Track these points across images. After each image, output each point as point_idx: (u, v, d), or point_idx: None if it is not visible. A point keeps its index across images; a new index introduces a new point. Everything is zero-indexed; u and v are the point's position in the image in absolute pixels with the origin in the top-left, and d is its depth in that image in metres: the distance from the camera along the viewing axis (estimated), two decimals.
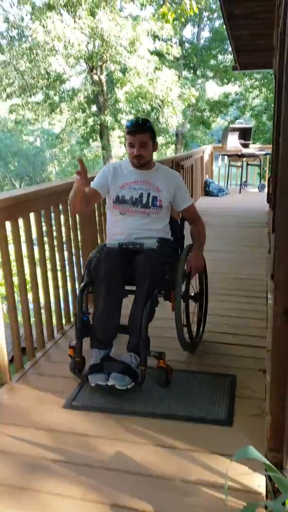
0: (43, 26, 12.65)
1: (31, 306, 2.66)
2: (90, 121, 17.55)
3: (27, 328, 2.58)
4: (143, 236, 2.45)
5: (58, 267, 2.95)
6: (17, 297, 2.61)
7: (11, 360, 2.56)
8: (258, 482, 1.68)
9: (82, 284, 2.37)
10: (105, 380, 2.13)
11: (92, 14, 13.69)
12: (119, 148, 20.79)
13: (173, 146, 20.44)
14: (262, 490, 1.65)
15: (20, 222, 2.50)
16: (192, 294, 2.59)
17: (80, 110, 17.09)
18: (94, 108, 17.59)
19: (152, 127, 2.46)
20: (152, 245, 2.42)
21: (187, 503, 1.63)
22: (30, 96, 16.27)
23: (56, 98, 17.48)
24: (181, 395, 2.26)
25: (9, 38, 15.96)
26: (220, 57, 20.37)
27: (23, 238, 2.55)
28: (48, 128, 24.61)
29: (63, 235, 3.06)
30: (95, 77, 16.38)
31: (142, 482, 1.72)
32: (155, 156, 2.63)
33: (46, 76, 15.48)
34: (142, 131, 2.38)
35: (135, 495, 1.66)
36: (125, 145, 2.51)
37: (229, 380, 2.37)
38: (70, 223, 3.14)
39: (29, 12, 14.42)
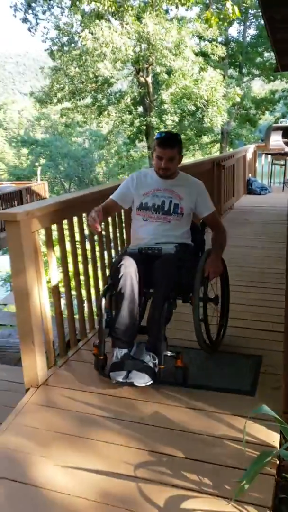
0: (92, 33, 13.22)
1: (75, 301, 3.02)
2: (137, 122, 18.02)
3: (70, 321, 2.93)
4: (163, 241, 2.56)
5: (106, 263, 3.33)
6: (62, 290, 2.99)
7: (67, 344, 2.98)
8: (273, 438, 1.99)
9: (105, 286, 2.54)
10: (126, 377, 2.27)
11: (139, 18, 14.11)
12: None
13: (218, 145, 20.55)
14: (276, 444, 1.96)
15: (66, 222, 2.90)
16: (212, 297, 2.65)
17: (127, 112, 17.60)
18: (140, 109, 18.05)
19: (180, 141, 2.62)
20: (170, 250, 2.50)
21: (212, 452, 1.97)
22: (79, 100, 16.95)
23: (104, 101, 18.09)
24: (210, 370, 2.59)
25: (60, 45, 16.69)
26: (266, 54, 20.24)
27: (66, 237, 2.91)
28: (96, 130, 25.33)
29: (110, 233, 3.45)
30: (142, 79, 16.81)
31: (174, 435, 2.08)
32: (186, 160, 2.93)
33: (95, 80, 16.08)
34: (172, 146, 2.54)
35: (168, 444, 2.01)
36: (152, 153, 2.67)
37: (255, 359, 2.68)
38: (117, 222, 3.53)
39: (79, 21, 15.05)
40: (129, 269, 2.39)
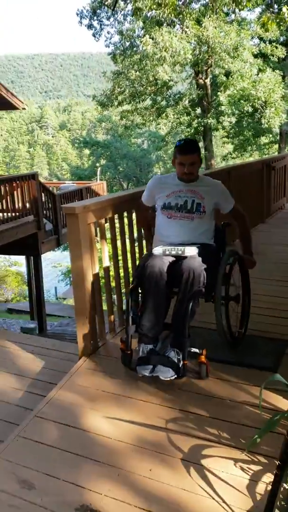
0: (152, 38, 13.67)
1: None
2: (194, 123, 18.29)
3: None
4: (186, 239, 2.69)
5: None
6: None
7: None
8: (287, 405, 2.28)
9: (131, 287, 2.69)
10: (151, 371, 2.40)
11: (199, 22, 14.38)
12: (222, 148, 21.22)
13: (276, 146, 20.35)
14: None
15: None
16: (234, 295, 2.80)
17: (185, 113, 17.90)
18: (198, 111, 18.30)
19: (199, 147, 2.83)
20: (193, 251, 2.58)
21: (232, 413, 2.30)
22: (139, 102, 17.48)
23: (163, 103, 18.52)
24: (238, 349, 2.90)
25: (122, 49, 17.31)
26: None
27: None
28: (155, 131, 25.84)
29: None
30: (200, 81, 17.07)
31: (201, 399, 2.42)
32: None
33: (154, 83, 16.54)
34: (193, 151, 2.73)
35: (196, 405, 2.37)
36: (173, 161, 2.83)
37: (281, 343, 2.96)
38: None
39: (140, 27, 15.57)
40: (155, 268, 2.52)
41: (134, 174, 28.58)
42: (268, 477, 1.92)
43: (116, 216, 3.21)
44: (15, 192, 8.57)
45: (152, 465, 2.03)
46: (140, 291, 2.66)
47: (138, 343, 2.55)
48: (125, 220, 3.33)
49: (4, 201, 8.50)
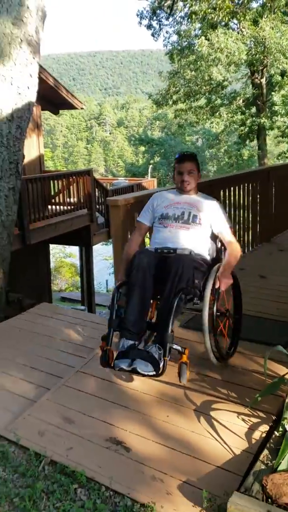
0: (208, 40, 13.95)
1: None
2: (248, 122, 18.36)
3: None
4: (181, 246, 2.65)
5: None
6: None
7: None
8: None
9: (119, 282, 2.63)
10: (129, 365, 2.28)
11: (255, 22, 14.48)
12: (275, 147, 21.09)
13: None
14: None
15: None
16: (223, 311, 2.75)
17: (239, 112, 18.02)
18: (253, 109, 18.35)
19: (197, 160, 2.84)
20: (184, 250, 2.58)
21: (242, 378, 2.70)
22: (194, 101, 17.79)
23: (218, 102, 18.72)
24: (252, 327, 3.27)
25: (180, 49, 17.69)
26: None
27: None
28: (209, 129, 26.01)
29: None
30: (256, 81, 17.12)
31: (217, 366, 2.83)
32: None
33: (209, 82, 16.79)
34: (190, 160, 2.79)
35: (211, 371, 2.78)
36: (173, 176, 2.90)
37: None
38: None
39: (197, 28, 15.88)
40: (143, 261, 2.50)
41: None
42: (264, 428, 2.31)
43: None
44: (71, 187, 9.23)
45: (169, 413, 2.47)
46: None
47: (119, 338, 2.44)
48: None
49: (61, 195, 9.18)
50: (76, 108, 11.23)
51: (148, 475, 2.07)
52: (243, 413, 2.42)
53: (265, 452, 2.07)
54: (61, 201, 9.15)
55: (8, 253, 4.71)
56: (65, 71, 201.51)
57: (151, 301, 2.65)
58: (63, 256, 23.50)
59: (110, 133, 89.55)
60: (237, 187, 5.17)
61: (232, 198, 5.14)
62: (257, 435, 2.27)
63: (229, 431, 2.31)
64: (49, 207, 8.91)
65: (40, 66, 7.32)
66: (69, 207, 9.10)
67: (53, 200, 9.11)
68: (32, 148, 9.96)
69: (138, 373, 2.28)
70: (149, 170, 19.38)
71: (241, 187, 5.26)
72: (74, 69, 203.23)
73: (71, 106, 11.00)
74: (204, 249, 2.76)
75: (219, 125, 20.13)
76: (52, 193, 9.04)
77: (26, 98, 4.52)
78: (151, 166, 22.42)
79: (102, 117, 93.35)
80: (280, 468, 1.94)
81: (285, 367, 2.69)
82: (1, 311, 4.67)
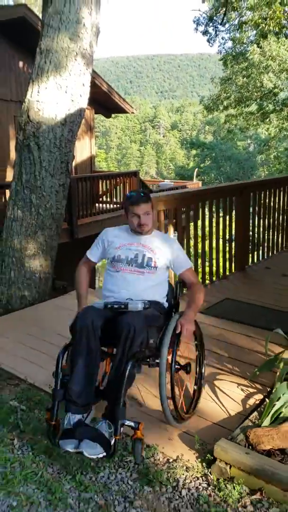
0: (260, 47, 14.13)
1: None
2: None
3: None
4: (134, 295, 2.43)
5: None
6: None
7: None
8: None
9: (65, 344, 2.31)
10: (76, 446, 2.00)
11: None
12: None
13: None
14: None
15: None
16: (183, 364, 2.50)
17: None
18: None
19: (150, 198, 2.59)
20: (136, 306, 2.31)
21: (247, 356, 3.10)
22: (245, 107, 17.96)
23: (269, 107, 18.76)
24: (255, 314, 3.61)
25: (233, 56, 17.93)
26: None
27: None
28: (261, 135, 25.97)
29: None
30: None
31: (226, 345, 3.22)
32: None
33: (260, 89, 16.92)
34: (145, 201, 2.51)
35: (220, 348, 3.18)
36: (126, 214, 2.59)
37: None
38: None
39: (252, 35, 16.07)
40: (87, 322, 2.22)
41: (236, 176, 28.92)
42: (259, 397, 2.68)
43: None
44: (118, 187, 9.78)
45: (176, 377, 2.89)
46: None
47: (65, 412, 2.14)
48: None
49: (108, 194, 9.76)
50: (127, 112, 11.79)
51: (155, 424, 2.50)
52: (242, 384, 2.81)
53: (255, 414, 2.45)
54: (108, 199, 9.72)
55: (56, 243, 5.27)
56: (122, 73, 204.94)
57: (104, 360, 2.39)
58: None
59: (163, 136, 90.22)
60: (273, 190, 5.45)
61: (267, 200, 5.44)
62: (251, 402, 2.65)
63: (228, 397, 2.70)
64: (97, 205, 9.50)
65: (95, 72, 7.92)
66: (115, 206, 9.65)
67: (100, 199, 9.70)
68: (84, 149, 10.61)
69: (85, 457, 2.02)
70: (195, 174, 19.73)
71: (278, 191, 5.54)
72: (131, 72, 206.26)
73: (122, 111, 11.56)
74: (160, 295, 2.58)
75: (270, 131, 20.14)
76: (100, 192, 9.63)
77: (78, 104, 5.06)
78: (196, 169, 22.76)
79: (156, 120, 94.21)
80: (263, 424, 2.32)
81: (283, 348, 3.04)
82: (47, 295, 5.23)
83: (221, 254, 4.83)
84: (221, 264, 4.81)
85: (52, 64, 4.85)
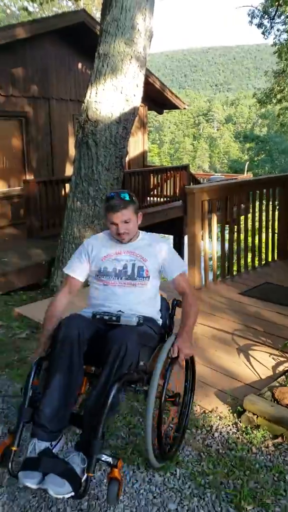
0: None
1: None
2: None
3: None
4: (127, 307, 2.15)
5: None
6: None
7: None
8: None
9: (44, 353, 2.02)
10: (39, 482, 1.67)
11: None
12: None
13: None
14: None
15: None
16: (171, 395, 2.25)
17: None
18: None
19: (134, 199, 2.21)
20: (130, 320, 2.01)
21: (281, 332, 3.42)
22: None
23: None
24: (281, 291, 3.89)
25: (287, 49, 17.73)
26: None
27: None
28: None
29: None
30: None
31: (261, 322, 3.55)
32: None
33: None
34: (124, 207, 2.14)
35: (256, 324, 3.51)
36: (104, 220, 2.26)
37: None
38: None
39: None
40: (73, 332, 1.91)
41: None
42: None
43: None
44: (168, 181, 10.17)
45: (217, 348, 3.27)
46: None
47: (30, 436, 1.84)
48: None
49: (159, 187, 10.17)
50: (179, 108, 12.11)
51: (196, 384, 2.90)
52: (274, 354, 3.14)
53: (282, 377, 2.79)
54: (159, 193, 10.13)
55: None
56: (177, 67, 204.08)
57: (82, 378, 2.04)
58: None
59: (217, 130, 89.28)
60: None
61: None
62: (280, 368, 2.98)
63: (260, 364, 3.05)
64: (148, 198, 9.94)
65: (149, 71, 8.33)
66: (165, 199, 10.05)
67: (151, 193, 10.14)
68: (137, 144, 11.07)
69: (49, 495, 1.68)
70: (246, 167, 19.72)
71: None
72: (186, 66, 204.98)
73: (175, 107, 11.89)
74: (155, 309, 2.32)
75: None
76: (151, 186, 10.06)
77: (132, 104, 5.50)
78: (248, 163, 22.65)
79: (210, 113, 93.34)
80: None
81: None
82: None
83: (263, 242, 5.13)
84: (263, 251, 5.11)
85: (109, 67, 5.31)
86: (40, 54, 8.35)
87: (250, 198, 4.85)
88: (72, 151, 9.32)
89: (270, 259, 5.19)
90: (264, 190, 4.94)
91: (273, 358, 3.11)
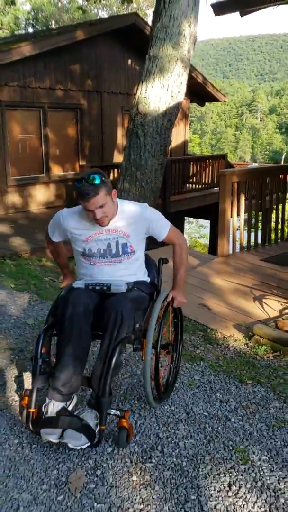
0: None
1: None
2: None
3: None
4: (116, 279, 2.28)
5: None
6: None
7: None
8: None
9: (45, 325, 2.24)
10: (58, 437, 1.93)
11: None
12: None
13: None
14: None
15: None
16: (164, 343, 2.45)
17: None
18: None
19: (104, 179, 2.14)
20: (119, 288, 2.19)
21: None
22: None
23: None
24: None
25: None
26: None
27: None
28: None
29: None
30: None
31: (276, 280, 4.40)
32: None
33: None
34: (95, 192, 2.10)
35: (270, 280, 4.38)
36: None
37: None
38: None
39: None
40: (79, 308, 2.10)
41: None
42: None
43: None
44: (207, 169, 10.98)
45: (237, 297, 4.17)
46: (53, 332, 2.25)
47: (47, 398, 2.08)
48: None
49: (198, 175, 11.00)
50: (220, 101, 12.82)
51: (217, 319, 3.81)
52: (282, 301, 4.00)
53: (286, 315, 3.66)
54: (197, 180, 10.97)
55: None
56: (222, 56, 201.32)
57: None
58: (198, 237, 25.49)
59: (260, 120, 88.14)
60: None
61: None
62: (286, 311, 3.85)
63: (270, 308, 3.92)
64: (187, 185, 10.80)
65: (192, 66, 9.13)
66: (203, 186, 10.88)
67: (190, 180, 10.98)
68: (179, 135, 11.91)
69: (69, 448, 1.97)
70: (283, 157, 20.13)
71: None
72: (231, 55, 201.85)
73: (216, 99, 12.60)
74: (141, 272, 2.45)
75: None
76: (191, 173, 10.91)
77: (176, 99, 6.37)
78: (285, 153, 22.96)
79: (254, 104, 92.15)
80: None
81: None
82: None
83: (286, 220, 5.94)
84: (285, 228, 5.93)
85: (158, 68, 6.20)
86: (95, 52, 9.33)
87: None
88: (120, 139, 10.31)
89: None
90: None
91: (281, 304, 3.97)
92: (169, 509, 1.75)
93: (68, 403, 2.13)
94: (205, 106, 13.09)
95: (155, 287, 2.52)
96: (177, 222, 12.23)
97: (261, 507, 1.77)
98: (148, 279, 2.48)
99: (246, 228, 5.57)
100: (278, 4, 3.61)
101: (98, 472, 1.93)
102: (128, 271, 2.34)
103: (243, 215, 5.31)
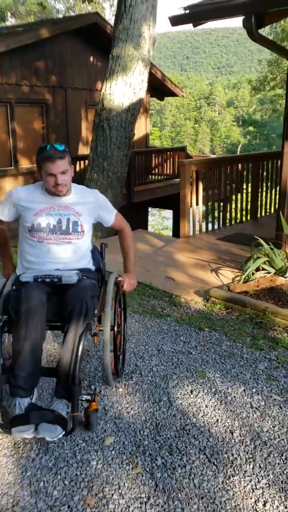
0: None
1: None
2: None
3: None
4: (63, 265, 2.29)
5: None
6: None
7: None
8: None
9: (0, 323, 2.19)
10: (33, 432, 1.93)
11: None
12: None
13: None
14: None
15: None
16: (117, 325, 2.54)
17: None
18: None
19: (67, 150, 2.26)
20: (71, 279, 2.19)
21: (241, 258, 4.95)
22: None
23: None
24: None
25: (281, 39, 18.97)
26: None
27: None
28: None
29: None
30: None
31: (230, 254, 5.10)
32: None
33: None
34: (62, 157, 2.18)
35: (225, 255, 5.07)
36: (38, 174, 2.27)
37: None
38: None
39: None
40: (34, 301, 2.09)
41: None
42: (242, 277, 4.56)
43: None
44: (168, 161, 11.64)
45: (197, 270, 4.82)
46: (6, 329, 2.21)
47: (11, 396, 2.06)
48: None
49: (160, 166, 11.65)
50: (178, 96, 13.49)
51: (181, 287, 4.44)
52: (234, 271, 4.69)
53: (236, 282, 4.35)
54: (159, 171, 11.62)
55: (119, 199, 7.28)
56: (179, 49, 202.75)
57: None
58: (161, 229, 26.29)
59: (218, 113, 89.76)
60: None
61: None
62: (237, 278, 4.53)
63: (224, 277, 4.60)
64: (150, 176, 11.42)
65: (151, 64, 9.73)
66: (165, 177, 11.54)
67: (153, 171, 11.62)
68: (140, 128, 12.49)
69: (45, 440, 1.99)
70: (238, 150, 21.21)
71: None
72: (188, 48, 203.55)
73: (174, 94, 13.26)
74: (88, 259, 2.47)
75: None
76: (153, 165, 11.54)
77: (138, 95, 6.96)
78: (240, 146, 24.11)
79: (212, 97, 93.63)
80: (239, 283, 4.22)
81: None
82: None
83: (238, 206, 6.66)
84: (238, 214, 6.66)
85: (121, 67, 6.77)
86: (59, 49, 9.77)
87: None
88: (84, 133, 10.80)
89: (244, 219, 6.74)
90: (239, 166, 6.45)
91: (233, 273, 4.66)
92: (148, 406, 2.37)
93: (32, 396, 2.13)
94: (166, 99, 13.73)
95: (101, 272, 2.58)
96: (141, 213, 12.87)
97: (214, 403, 2.42)
98: (93, 267, 2.50)
99: (204, 221, 6.25)
100: (225, 18, 4.23)
101: (92, 387, 2.51)
102: (76, 256, 2.34)
103: (201, 203, 5.98)
